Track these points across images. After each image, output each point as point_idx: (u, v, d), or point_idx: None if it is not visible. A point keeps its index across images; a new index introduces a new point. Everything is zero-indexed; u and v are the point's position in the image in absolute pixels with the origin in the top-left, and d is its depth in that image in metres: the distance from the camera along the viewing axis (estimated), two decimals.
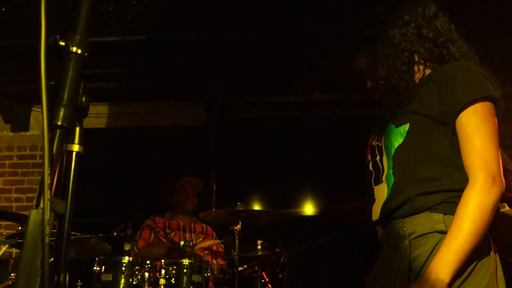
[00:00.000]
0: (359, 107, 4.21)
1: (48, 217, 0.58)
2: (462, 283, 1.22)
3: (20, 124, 4.79)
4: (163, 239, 3.61)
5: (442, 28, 1.47)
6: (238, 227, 3.11)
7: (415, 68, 1.46)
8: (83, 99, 0.73)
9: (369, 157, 1.53)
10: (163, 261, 2.91)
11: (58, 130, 0.65)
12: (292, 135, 4.56)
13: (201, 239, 3.78)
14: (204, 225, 3.88)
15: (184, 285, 2.88)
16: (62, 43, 0.72)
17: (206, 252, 3.75)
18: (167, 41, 3.72)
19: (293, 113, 4.53)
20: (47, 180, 0.60)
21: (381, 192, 1.42)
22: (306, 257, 3.77)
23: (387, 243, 1.43)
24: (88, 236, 2.78)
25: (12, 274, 2.65)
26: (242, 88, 4.37)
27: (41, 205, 0.60)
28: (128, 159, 4.52)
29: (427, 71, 1.45)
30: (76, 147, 0.70)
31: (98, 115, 4.65)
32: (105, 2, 3.27)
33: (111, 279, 2.80)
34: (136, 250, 3.46)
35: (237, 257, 3.12)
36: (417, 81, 1.46)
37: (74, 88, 0.69)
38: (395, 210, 1.35)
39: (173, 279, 2.88)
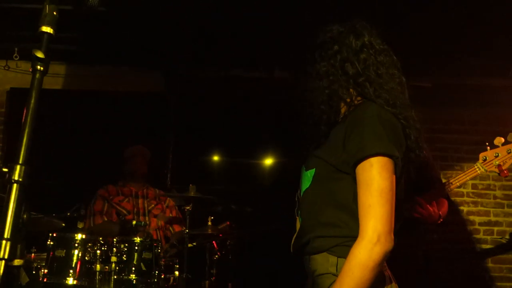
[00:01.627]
0: None
1: None
2: None
3: None
4: (117, 207, 3.73)
5: (365, 63, 1.43)
6: (189, 208, 3.26)
7: (341, 104, 1.45)
8: (24, 216, 0.81)
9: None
10: (115, 239, 3.03)
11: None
12: (252, 107, 4.61)
13: (153, 205, 3.90)
14: (157, 190, 4.00)
15: (135, 262, 3.03)
16: (5, 170, 0.79)
17: (160, 222, 3.89)
18: (128, 11, 3.65)
19: (254, 87, 4.57)
20: None
21: (297, 225, 1.53)
22: (254, 241, 3.96)
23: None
24: (41, 215, 2.85)
25: None
26: (204, 59, 4.37)
27: None
28: (84, 123, 4.51)
29: (350, 109, 1.44)
30: (17, 262, 0.79)
31: (54, 75, 4.57)
32: None
33: (64, 255, 2.92)
34: (92, 225, 3.57)
35: (187, 235, 3.29)
36: (340, 119, 1.46)
37: (16, 218, 0.77)
38: (302, 248, 1.47)
39: (124, 256, 3.02)
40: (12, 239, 0.76)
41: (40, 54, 0.83)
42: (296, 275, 1.73)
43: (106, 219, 3.65)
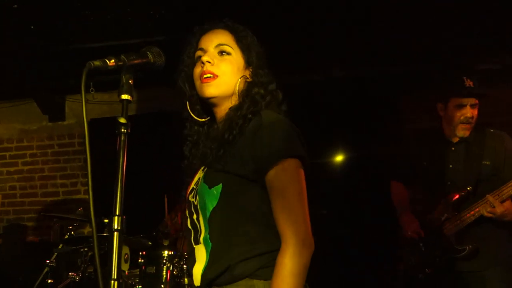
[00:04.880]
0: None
1: None
2: None
3: (57, 114, 5.11)
4: None
5: (262, 69, 1.45)
6: None
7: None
8: (126, 256, 0.97)
9: (187, 212, 1.42)
10: None
11: None
12: (312, 101, 4.60)
13: None
14: None
15: None
16: (106, 221, 0.95)
17: None
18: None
19: (312, 90, 4.62)
20: None
21: (201, 254, 1.35)
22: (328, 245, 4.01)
23: None
24: (130, 237, 3.11)
25: (70, 273, 3.03)
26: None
27: None
28: (155, 143, 4.73)
29: (248, 117, 1.37)
30: None
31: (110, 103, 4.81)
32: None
33: (154, 271, 3.17)
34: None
35: None
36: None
37: (119, 260, 0.93)
38: (215, 279, 1.32)
39: None
40: (118, 279, 0.92)
41: (122, 120, 0.99)
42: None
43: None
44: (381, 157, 3.80)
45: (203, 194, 1.34)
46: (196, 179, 1.43)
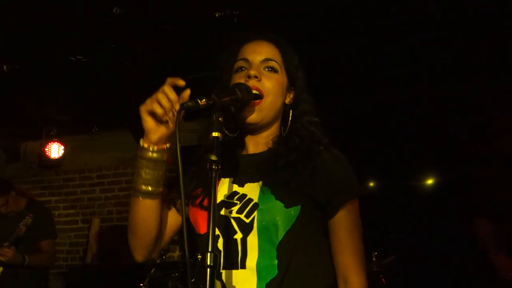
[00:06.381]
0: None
1: None
2: None
3: None
4: None
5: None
6: None
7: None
8: None
9: (218, 230, 1.20)
10: None
11: None
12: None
13: None
14: None
15: None
16: (199, 257, 0.98)
17: None
18: None
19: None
20: None
21: (242, 280, 1.17)
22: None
23: None
24: None
25: None
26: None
27: None
28: None
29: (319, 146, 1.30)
30: None
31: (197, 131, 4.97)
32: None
33: None
34: None
35: None
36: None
37: None
38: None
39: None
40: None
41: (213, 157, 1.02)
42: None
43: None
44: (465, 183, 3.57)
45: (274, 212, 1.17)
46: (225, 191, 1.24)
